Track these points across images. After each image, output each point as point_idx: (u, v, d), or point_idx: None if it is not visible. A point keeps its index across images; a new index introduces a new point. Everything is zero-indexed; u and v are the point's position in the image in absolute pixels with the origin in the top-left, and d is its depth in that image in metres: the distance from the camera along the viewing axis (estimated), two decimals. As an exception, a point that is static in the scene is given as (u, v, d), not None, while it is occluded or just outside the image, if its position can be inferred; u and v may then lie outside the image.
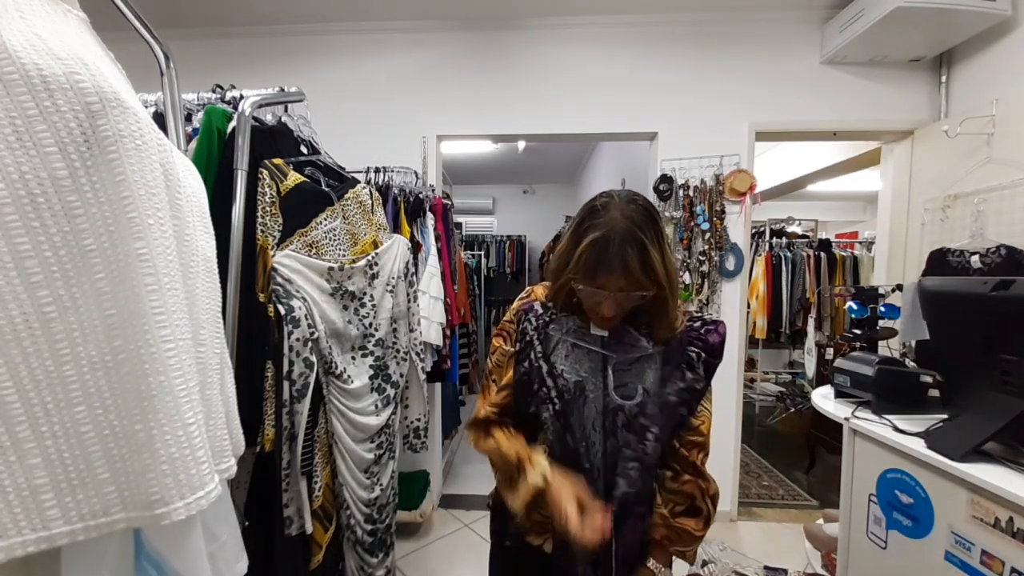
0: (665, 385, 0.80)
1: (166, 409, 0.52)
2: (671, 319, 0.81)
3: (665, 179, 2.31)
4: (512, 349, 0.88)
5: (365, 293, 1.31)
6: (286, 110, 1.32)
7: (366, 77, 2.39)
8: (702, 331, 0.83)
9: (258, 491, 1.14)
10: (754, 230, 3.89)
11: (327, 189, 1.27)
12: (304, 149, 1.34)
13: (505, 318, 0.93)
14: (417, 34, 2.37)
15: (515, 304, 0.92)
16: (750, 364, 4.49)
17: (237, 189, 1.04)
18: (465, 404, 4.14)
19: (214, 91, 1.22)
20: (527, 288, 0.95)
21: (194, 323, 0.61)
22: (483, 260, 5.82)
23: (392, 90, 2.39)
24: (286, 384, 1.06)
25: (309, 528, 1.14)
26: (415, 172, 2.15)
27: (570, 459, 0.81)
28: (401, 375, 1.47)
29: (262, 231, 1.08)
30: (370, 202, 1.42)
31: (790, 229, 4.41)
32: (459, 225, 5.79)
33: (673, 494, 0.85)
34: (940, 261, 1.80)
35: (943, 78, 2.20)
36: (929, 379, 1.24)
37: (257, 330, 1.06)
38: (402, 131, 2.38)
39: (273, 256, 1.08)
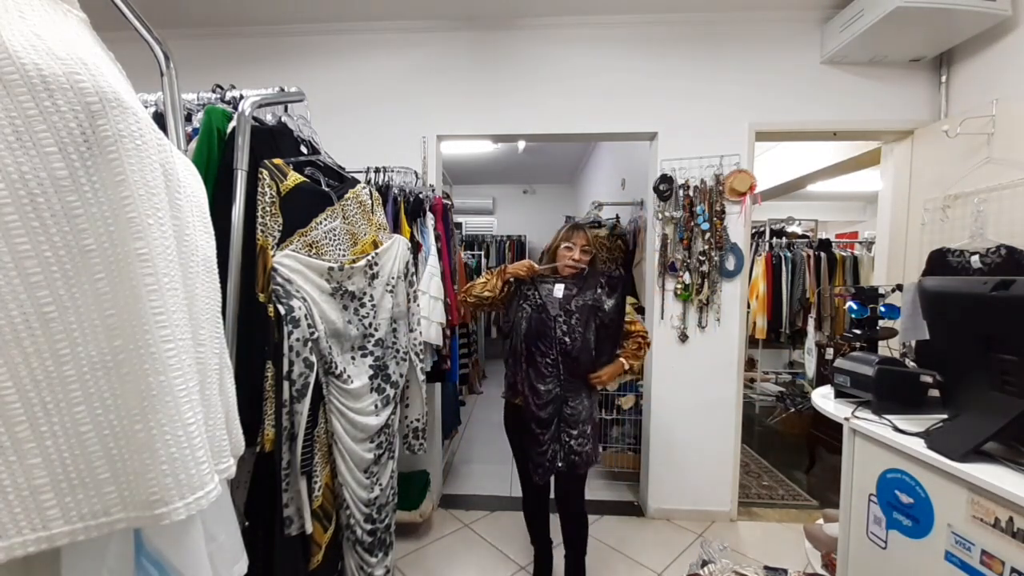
0: (584, 296, 1.61)
1: (166, 409, 0.52)
2: (596, 271, 1.66)
3: (665, 179, 2.31)
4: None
5: (365, 293, 1.31)
6: (286, 110, 1.32)
7: (366, 77, 2.39)
8: (609, 275, 1.69)
9: (258, 491, 1.14)
10: (754, 230, 3.89)
11: (327, 189, 1.27)
12: (304, 149, 1.34)
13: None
14: (417, 34, 2.37)
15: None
16: (750, 364, 4.48)
17: (237, 189, 1.04)
18: (465, 404, 4.15)
19: (214, 91, 1.22)
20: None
21: (194, 323, 0.61)
22: (483, 260, 5.83)
23: (392, 90, 2.39)
24: (286, 384, 1.06)
25: (309, 528, 1.14)
26: (415, 172, 2.15)
27: (543, 328, 1.58)
28: (401, 375, 1.47)
29: (262, 231, 1.08)
30: (370, 202, 1.42)
31: (790, 229, 4.40)
32: (459, 225, 5.80)
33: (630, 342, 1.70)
34: (940, 261, 1.80)
35: (943, 78, 2.20)
36: (929, 379, 1.24)
37: (257, 330, 1.06)
38: (402, 131, 2.38)
39: (273, 256, 1.08)
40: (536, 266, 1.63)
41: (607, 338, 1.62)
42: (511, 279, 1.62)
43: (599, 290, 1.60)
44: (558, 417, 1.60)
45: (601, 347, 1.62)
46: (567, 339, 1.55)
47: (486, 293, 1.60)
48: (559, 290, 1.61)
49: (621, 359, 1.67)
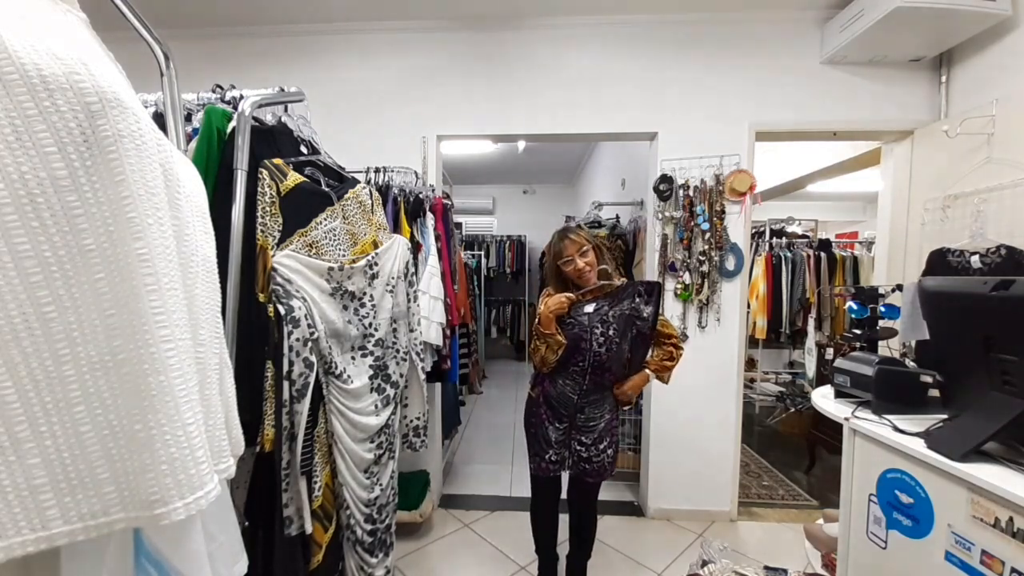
0: (621, 307, 1.56)
1: (165, 409, 0.52)
2: (608, 267, 1.58)
3: (665, 179, 2.31)
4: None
5: (365, 293, 1.31)
6: (286, 110, 1.32)
7: (366, 77, 2.39)
8: (641, 283, 1.60)
9: (258, 491, 1.14)
10: (754, 230, 3.88)
11: (327, 189, 1.27)
12: (304, 149, 1.34)
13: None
14: (417, 34, 2.37)
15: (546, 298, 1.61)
16: (750, 364, 4.48)
17: (237, 189, 1.04)
18: (465, 404, 4.15)
19: (214, 91, 1.22)
20: (545, 290, 1.67)
21: (194, 323, 0.61)
22: (483, 260, 5.83)
23: (392, 90, 2.39)
24: (286, 384, 1.06)
25: (309, 528, 1.14)
26: (415, 172, 2.15)
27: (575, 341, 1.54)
28: (401, 375, 1.47)
29: (262, 231, 1.08)
30: (370, 202, 1.42)
31: (790, 229, 4.40)
32: (459, 225, 5.79)
33: (659, 351, 1.65)
34: (940, 261, 1.80)
35: (943, 78, 2.20)
36: (929, 379, 1.24)
37: (257, 330, 1.06)
38: (402, 131, 2.38)
39: (273, 256, 1.08)
40: (570, 296, 1.55)
41: (641, 345, 1.60)
42: (560, 313, 1.54)
43: (637, 299, 1.55)
44: (571, 423, 1.59)
45: (635, 356, 1.59)
46: (603, 350, 1.52)
47: (553, 357, 1.53)
48: (589, 308, 1.56)
49: (647, 370, 1.62)
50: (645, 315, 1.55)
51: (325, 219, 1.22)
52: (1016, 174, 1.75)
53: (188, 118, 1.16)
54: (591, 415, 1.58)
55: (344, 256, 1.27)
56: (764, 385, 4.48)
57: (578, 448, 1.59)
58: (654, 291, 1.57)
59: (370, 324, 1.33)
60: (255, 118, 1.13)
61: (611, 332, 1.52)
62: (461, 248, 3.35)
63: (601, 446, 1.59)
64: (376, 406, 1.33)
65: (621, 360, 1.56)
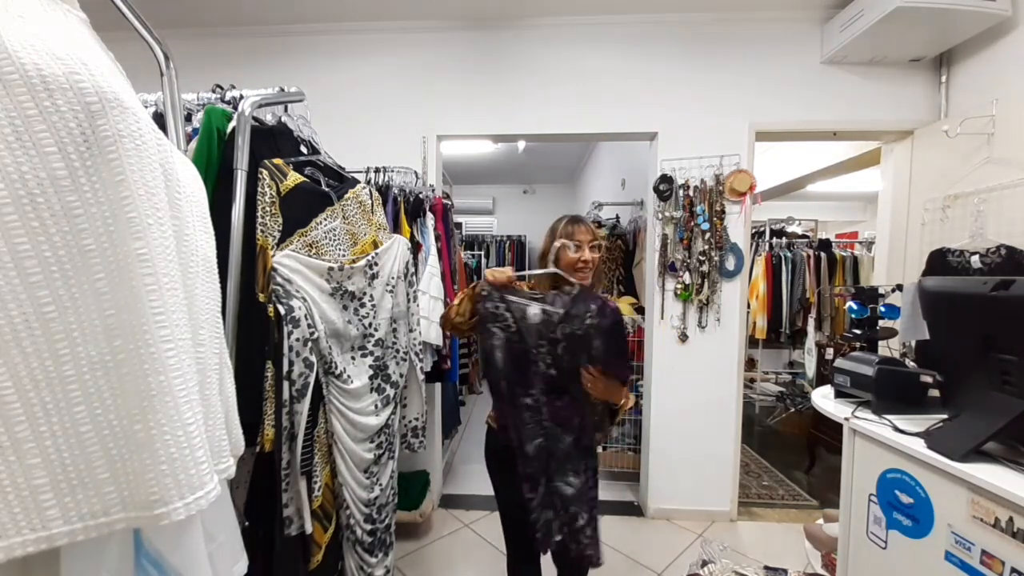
0: (573, 324, 1.19)
1: (165, 409, 0.52)
2: (589, 290, 1.25)
3: (665, 179, 2.31)
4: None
5: (365, 293, 1.31)
6: (286, 110, 1.32)
7: (366, 77, 2.39)
8: (602, 301, 1.22)
9: (258, 491, 1.14)
10: (754, 230, 3.88)
11: (327, 189, 1.27)
12: (304, 149, 1.34)
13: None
14: (417, 34, 2.37)
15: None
16: (750, 364, 4.48)
17: (237, 189, 1.04)
18: (465, 404, 4.14)
19: (214, 91, 1.22)
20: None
21: (193, 323, 0.61)
22: (483, 260, 5.83)
23: (392, 90, 2.39)
24: (286, 384, 1.06)
25: (309, 528, 1.14)
26: (415, 172, 2.15)
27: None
28: (401, 375, 1.47)
29: (262, 231, 1.08)
30: (370, 202, 1.42)
31: (790, 229, 4.40)
32: (459, 225, 5.79)
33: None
34: (940, 261, 1.80)
35: (943, 78, 2.20)
36: (929, 379, 1.24)
37: (257, 330, 1.06)
38: (402, 131, 2.38)
39: (273, 256, 1.08)
40: (519, 276, 1.25)
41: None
42: (485, 291, 1.22)
43: (589, 318, 1.17)
44: (546, 477, 1.20)
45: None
46: (552, 371, 1.18)
47: (458, 319, 1.26)
48: (534, 311, 1.19)
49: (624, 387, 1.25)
50: (593, 346, 1.17)
51: (325, 219, 1.22)
52: (1016, 174, 1.75)
53: (188, 118, 1.16)
54: (566, 476, 1.20)
55: (344, 256, 1.27)
56: (764, 385, 4.48)
57: (560, 513, 1.20)
58: (605, 318, 1.18)
59: (370, 324, 1.33)
60: (255, 118, 1.13)
61: (560, 350, 1.18)
62: (461, 248, 3.36)
63: (580, 521, 1.20)
64: (376, 406, 1.33)
65: (578, 381, 1.19)
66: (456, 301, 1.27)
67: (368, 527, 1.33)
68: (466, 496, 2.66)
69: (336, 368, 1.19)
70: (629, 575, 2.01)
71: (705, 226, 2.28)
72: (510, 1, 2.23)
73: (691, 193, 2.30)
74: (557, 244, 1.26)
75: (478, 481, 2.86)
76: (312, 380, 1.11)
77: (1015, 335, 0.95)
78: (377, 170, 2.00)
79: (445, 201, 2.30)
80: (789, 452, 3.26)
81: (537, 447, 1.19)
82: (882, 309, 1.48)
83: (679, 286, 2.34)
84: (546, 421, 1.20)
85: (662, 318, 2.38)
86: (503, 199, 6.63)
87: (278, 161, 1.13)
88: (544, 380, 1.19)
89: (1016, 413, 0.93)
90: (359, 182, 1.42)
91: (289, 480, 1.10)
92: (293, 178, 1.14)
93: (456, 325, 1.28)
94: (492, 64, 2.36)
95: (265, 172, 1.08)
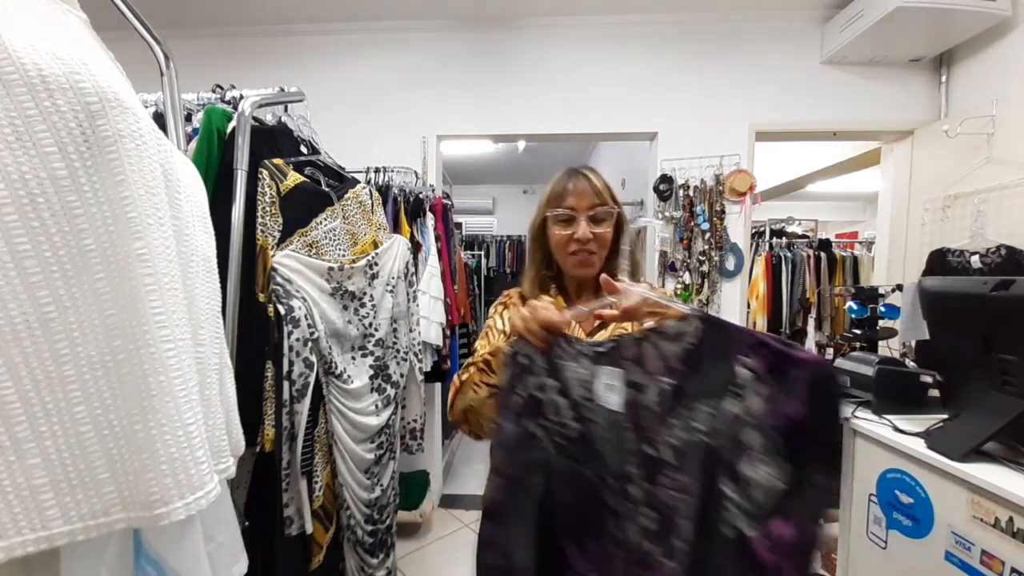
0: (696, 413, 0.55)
1: (165, 409, 0.52)
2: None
3: (665, 179, 2.31)
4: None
5: (365, 293, 1.31)
6: (286, 110, 1.32)
7: (366, 77, 2.39)
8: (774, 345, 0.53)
9: (258, 491, 1.13)
10: (754, 230, 3.87)
11: (327, 189, 1.27)
12: (304, 149, 1.34)
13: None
14: (417, 34, 2.37)
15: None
16: (750, 364, 4.48)
17: (237, 189, 1.03)
18: (465, 404, 4.13)
19: (214, 91, 1.22)
20: (510, 291, 0.95)
21: (194, 323, 0.61)
22: (483, 260, 5.82)
23: (392, 90, 2.39)
24: (286, 384, 1.06)
25: (309, 528, 1.14)
26: (415, 172, 2.15)
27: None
28: (401, 375, 1.47)
29: (262, 231, 1.08)
30: (370, 202, 1.42)
31: (790, 229, 4.39)
32: (459, 225, 5.78)
33: None
34: (940, 261, 1.80)
35: (943, 78, 2.20)
36: (929, 379, 1.24)
37: (257, 330, 1.06)
38: (402, 131, 2.38)
39: (273, 256, 1.08)
40: (555, 317, 0.63)
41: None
42: (522, 356, 0.65)
43: (738, 401, 0.52)
44: None
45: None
46: (646, 541, 0.54)
47: (473, 399, 0.79)
48: (606, 384, 0.59)
49: None
50: (753, 484, 0.50)
51: (325, 219, 1.22)
52: (1016, 174, 1.75)
53: (188, 118, 1.16)
54: None
55: (344, 256, 1.27)
56: (764, 385, 4.47)
57: None
58: (790, 394, 0.51)
59: (370, 324, 1.33)
60: (255, 118, 1.13)
61: (672, 479, 0.54)
62: (461, 248, 3.35)
63: None
64: (376, 406, 1.33)
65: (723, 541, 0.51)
66: (466, 376, 0.77)
67: (369, 528, 1.33)
68: (466, 496, 2.66)
69: (336, 368, 1.19)
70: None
71: (705, 226, 2.28)
72: (510, 1, 2.23)
73: (691, 193, 2.30)
74: (549, 218, 0.81)
75: (478, 481, 2.86)
76: (312, 380, 1.11)
77: (1015, 335, 0.95)
78: (377, 170, 2.00)
79: (445, 201, 2.30)
80: (789, 452, 3.26)
81: None
82: (882, 309, 1.48)
83: (679, 286, 2.34)
84: None
85: (662, 318, 2.37)
86: (503, 199, 6.63)
87: (278, 161, 1.13)
88: (639, 554, 0.55)
89: (1016, 413, 0.93)
90: (359, 182, 1.42)
91: (289, 480, 1.09)
92: (293, 178, 1.14)
93: (470, 411, 0.80)
94: (492, 64, 2.36)
95: (265, 172, 1.08)
